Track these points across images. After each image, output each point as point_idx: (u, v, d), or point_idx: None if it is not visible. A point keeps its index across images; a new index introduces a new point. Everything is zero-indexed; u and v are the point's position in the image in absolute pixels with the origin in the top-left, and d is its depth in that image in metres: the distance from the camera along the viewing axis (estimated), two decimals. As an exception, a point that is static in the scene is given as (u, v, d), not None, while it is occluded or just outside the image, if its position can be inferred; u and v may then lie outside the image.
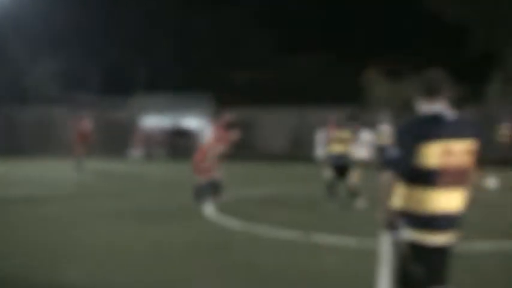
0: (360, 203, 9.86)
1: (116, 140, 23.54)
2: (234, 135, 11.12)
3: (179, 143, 23.77)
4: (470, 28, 28.21)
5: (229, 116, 11.26)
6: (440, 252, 3.05)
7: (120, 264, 5.97)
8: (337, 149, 10.05)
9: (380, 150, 12.94)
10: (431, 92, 3.08)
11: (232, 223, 8.30)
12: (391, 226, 3.08)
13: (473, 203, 3.33)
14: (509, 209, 9.93)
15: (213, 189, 10.52)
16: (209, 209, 9.65)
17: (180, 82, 32.47)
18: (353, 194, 10.07)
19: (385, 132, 14.11)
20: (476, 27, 27.99)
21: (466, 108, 22.41)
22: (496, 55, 27.61)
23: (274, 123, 24.74)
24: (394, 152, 2.99)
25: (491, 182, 12.46)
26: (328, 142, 10.50)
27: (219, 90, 29.11)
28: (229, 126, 11.25)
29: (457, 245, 3.14)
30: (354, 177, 10.21)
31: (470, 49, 28.19)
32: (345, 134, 10.15)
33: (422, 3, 28.79)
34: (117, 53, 33.29)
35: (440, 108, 3.06)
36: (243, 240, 7.26)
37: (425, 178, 2.98)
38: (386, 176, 3.01)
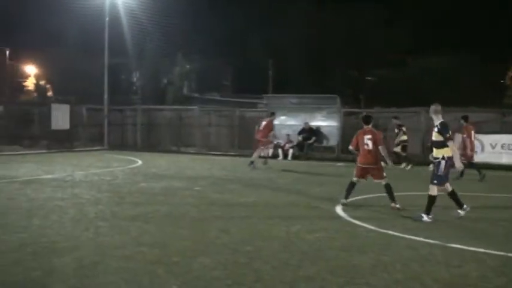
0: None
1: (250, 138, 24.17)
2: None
3: (308, 143, 23.77)
4: None
5: None
6: None
7: (252, 256, 6.11)
8: None
9: None
10: None
11: (365, 224, 8.13)
12: None
13: None
14: None
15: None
16: (339, 208, 9.55)
17: (308, 83, 32.56)
18: None
19: None
20: None
21: None
22: None
23: (406, 125, 23.61)
24: None
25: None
26: None
27: (347, 91, 28.70)
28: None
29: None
30: None
31: None
32: None
33: None
34: (248, 56, 34.33)
35: None
36: (377, 240, 7.05)
37: None
38: None
